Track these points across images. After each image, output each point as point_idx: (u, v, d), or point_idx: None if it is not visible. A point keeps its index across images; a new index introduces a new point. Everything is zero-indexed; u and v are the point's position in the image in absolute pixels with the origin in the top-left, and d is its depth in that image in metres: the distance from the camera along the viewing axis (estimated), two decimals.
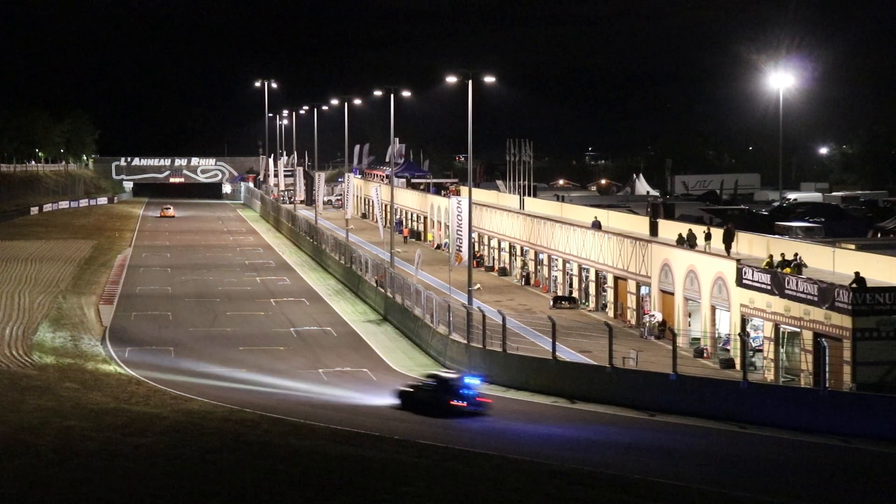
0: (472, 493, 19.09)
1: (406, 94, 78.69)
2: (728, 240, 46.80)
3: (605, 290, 57.06)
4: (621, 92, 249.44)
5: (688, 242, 49.34)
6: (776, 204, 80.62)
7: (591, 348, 44.74)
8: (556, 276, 63.51)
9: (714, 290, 45.17)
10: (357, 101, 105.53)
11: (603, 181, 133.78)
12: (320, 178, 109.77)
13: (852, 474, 27.73)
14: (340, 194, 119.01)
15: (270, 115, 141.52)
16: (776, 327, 40.71)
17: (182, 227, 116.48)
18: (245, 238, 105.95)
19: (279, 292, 67.86)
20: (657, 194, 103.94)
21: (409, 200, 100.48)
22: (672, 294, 48.97)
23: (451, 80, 57.64)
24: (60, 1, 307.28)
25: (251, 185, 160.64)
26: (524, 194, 76.86)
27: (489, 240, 75.46)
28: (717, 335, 45.19)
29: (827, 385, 34.97)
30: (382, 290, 59.55)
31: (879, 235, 59.36)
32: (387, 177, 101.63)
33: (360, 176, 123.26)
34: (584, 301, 59.00)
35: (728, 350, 43.82)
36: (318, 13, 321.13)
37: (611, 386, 38.18)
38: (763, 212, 75.26)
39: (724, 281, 44.25)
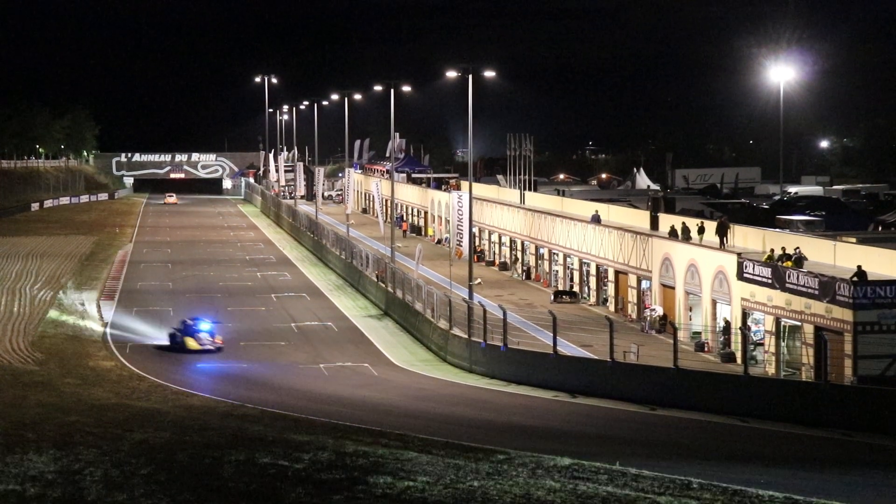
0: (474, 487, 19.08)
1: (406, 88, 78.65)
2: (722, 233, 46.79)
3: (605, 285, 57.05)
4: (622, 86, 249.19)
5: (681, 235, 49.36)
6: (777, 197, 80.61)
7: (592, 342, 44.73)
8: (556, 271, 63.51)
9: (715, 284, 45.16)
10: (357, 96, 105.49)
11: (603, 175, 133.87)
12: (320, 173, 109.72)
13: (853, 467, 27.75)
14: (341, 189, 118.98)
15: (271, 110, 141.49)
16: (777, 321, 40.71)
17: (183, 223, 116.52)
18: (246, 233, 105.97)
19: (280, 287, 67.87)
20: (658, 188, 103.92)
21: (410, 195, 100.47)
22: (673, 288, 48.97)
23: (452, 74, 57.65)
24: None
25: (251, 180, 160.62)
26: (524, 189, 76.83)
27: (490, 234, 75.45)
28: (717, 329, 45.19)
29: (828, 378, 34.98)
30: (383, 285, 59.54)
31: (880, 229, 59.40)
32: (387, 172, 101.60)
33: (360, 171, 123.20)
34: (584, 295, 58.99)
35: (729, 343, 43.81)
36: (318, 8, 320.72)
37: (611, 380, 38.21)
38: (764, 205, 75.29)
39: (725, 275, 44.24)
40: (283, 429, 28.30)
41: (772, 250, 42.99)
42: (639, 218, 58.57)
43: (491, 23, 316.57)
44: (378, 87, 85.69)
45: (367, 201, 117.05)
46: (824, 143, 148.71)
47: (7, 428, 26.08)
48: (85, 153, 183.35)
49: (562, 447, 26.42)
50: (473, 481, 19.56)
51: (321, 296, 64.91)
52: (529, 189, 77.70)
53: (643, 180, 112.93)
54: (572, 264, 61.14)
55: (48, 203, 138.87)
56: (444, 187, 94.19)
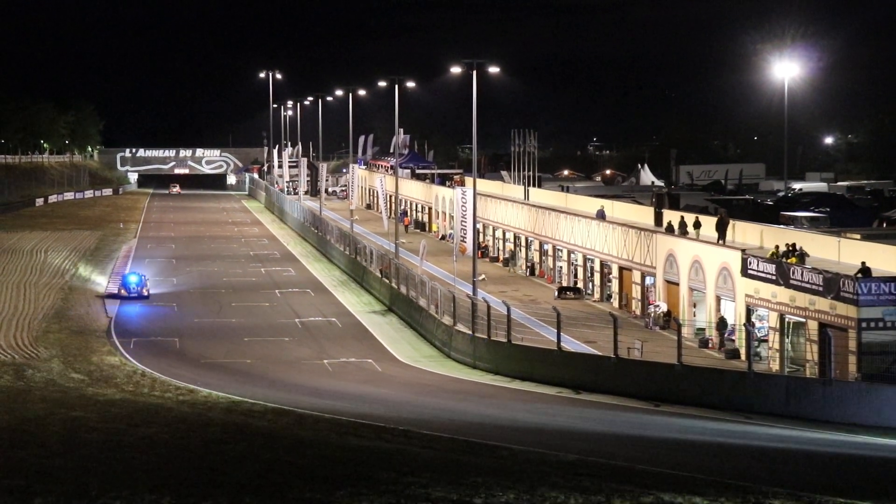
0: (478, 483, 19.08)
1: (410, 84, 78.64)
2: (721, 228, 46.73)
3: (609, 281, 57.02)
4: (626, 82, 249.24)
5: (678, 230, 49.33)
6: (781, 194, 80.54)
7: (596, 338, 44.72)
8: (560, 267, 63.49)
9: (719, 281, 45.13)
10: (361, 92, 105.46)
11: (608, 171, 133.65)
12: (324, 168, 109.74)
13: (856, 464, 27.72)
14: (345, 185, 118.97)
15: (275, 106, 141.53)
16: (781, 317, 40.68)
17: (187, 219, 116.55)
18: (250, 229, 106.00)
19: (284, 283, 67.89)
20: (662, 184, 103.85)
21: (414, 191, 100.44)
22: (677, 284, 48.94)
23: (456, 70, 57.63)
24: None
25: (256, 176, 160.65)
26: (529, 185, 76.80)
27: (494, 230, 75.43)
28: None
29: (833, 375, 34.94)
30: (387, 281, 59.54)
31: (885, 225, 59.28)
32: (391, 167, 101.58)
33: (364, 167, 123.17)
34: (588, 291, 58.97)
35: (733, 340, 43.78)
36: (322, 4, 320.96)
37: (615, 376, 38.20)
38: (768, 202, 75.20)
39: (730, 271, 44.20)
40: (288, 424, 28.31)
41: (777, 247, 42.96)
42: (643, 214, 58.53)
43: (496, 18, 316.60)
44: (382, 83, 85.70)
45: (371, 197, 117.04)
46: (829, 140, 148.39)
47: (12, 423, 26.10)
48: (89, 148, 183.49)
49: (566, 443, 26.43)
50: (477, 477, 19.55)
51: (325, 291, 64.93)
52: (534, 185, 77.67)
53: (647, 177, 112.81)
54: (576, 260, 61.12)
55: (53, 198, 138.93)
56: (448, 183, 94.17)
